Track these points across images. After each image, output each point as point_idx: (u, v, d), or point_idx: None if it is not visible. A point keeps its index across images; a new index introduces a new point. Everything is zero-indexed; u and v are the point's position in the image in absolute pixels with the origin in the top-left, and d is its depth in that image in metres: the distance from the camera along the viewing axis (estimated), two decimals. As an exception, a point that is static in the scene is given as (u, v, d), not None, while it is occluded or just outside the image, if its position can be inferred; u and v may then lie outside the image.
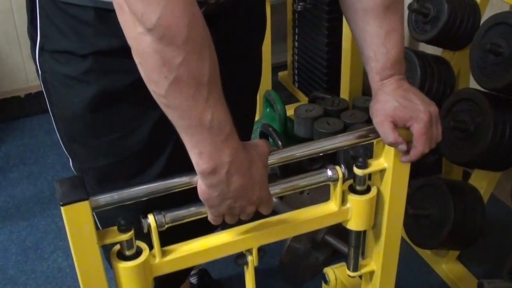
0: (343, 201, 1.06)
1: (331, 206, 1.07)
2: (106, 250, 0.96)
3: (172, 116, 0.82)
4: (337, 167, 1.02)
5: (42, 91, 1.09)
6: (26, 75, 2.83)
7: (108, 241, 0.92)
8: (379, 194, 1.09)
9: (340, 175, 1.02)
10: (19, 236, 2.16)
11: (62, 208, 0.85)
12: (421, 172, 2.15)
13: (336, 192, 1.04)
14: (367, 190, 1.07)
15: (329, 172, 1.02)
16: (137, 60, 0.80)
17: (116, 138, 1.04)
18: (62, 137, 1.10)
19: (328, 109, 2.18)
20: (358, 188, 1.06)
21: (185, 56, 0.77)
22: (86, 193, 0.86)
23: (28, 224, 2.21)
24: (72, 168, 1.13)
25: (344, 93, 2.36)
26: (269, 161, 0.95)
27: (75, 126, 1.06)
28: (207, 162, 0.84)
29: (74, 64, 0.99)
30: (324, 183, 1.03)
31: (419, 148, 0.99)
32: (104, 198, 0.90)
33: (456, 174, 2.07)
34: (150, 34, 0.75)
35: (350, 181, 1.07)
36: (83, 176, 0.91)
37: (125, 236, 0.91)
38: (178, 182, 0.92)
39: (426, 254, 1.97)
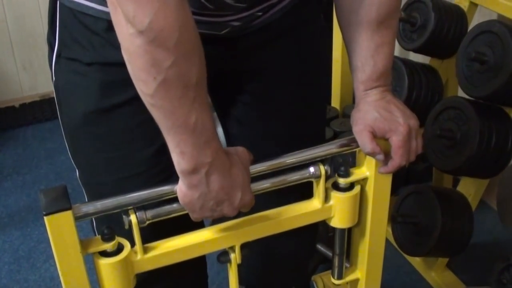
0: (326, 198, 1.06)
1: (314, 203, 1.07)
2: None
3: (157, 115, 0.84)
4: (320, 164, 1.03)
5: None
6: (20, 85, 2.84)
7: (92, 250, 0.92)
8: (362, 195, 1.10)
9: (323, 172, 1.02)
10: (12, 245, 2.17)
11: (45, 218, 0.86)
12: (412, 179, 2.17)
13: (319, 189, 1.05)
14: (351, 187, 1.07)
15: (312, 169, 1.03)
16: (126, 57, 0.81)
17: (118, 156, 1.05)
18: (69, 147, 1.11)
19: (318, 118, 2.19)
20: (341, 185, 1.06)
21: (175, 59, 0.78)
22: (69, 203, 0.87)
23: (21, 234, 2.22)
24: (79, 180, 1.13)
25: (335, 102, 2.38)
26: (255, 169, 0.97)
27: (78, 137, 1.07)
28: (188, 162, 0.85)
29: (81, 72, 1.00)
30: (307, 180, 1.04)
31: (397, 160, 0.99)
32: (87, 207, 0.91)
33: (446, 182, 2.08)
34: (141, 36, 0.76)
35: (334, 179, 1.07)
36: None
37: (108, 245, 0.92)
38: (161, 191, 0.93)
39: (415, 261, 1.98)
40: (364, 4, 0.99)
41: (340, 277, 1.18)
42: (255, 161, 0.97)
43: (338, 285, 1.22)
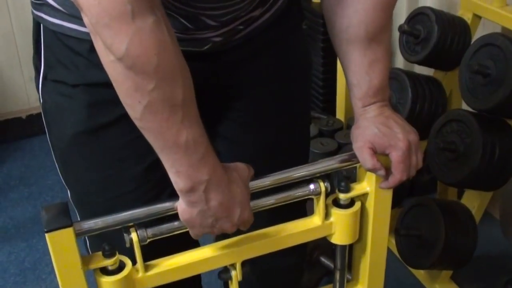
0: (327, 215, 1.07)
1: (315, 220, 1.07)
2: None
3: (148, 137, 0.84)
4: (320, 181, 1.03)
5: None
6: (27, 96, 2.86)
7: (93, 266, 0.93)
8: (363, 211, 1.10)
9: (323, 189, 1.03)
10: (18, 257, 2.18)
11: (46, 235, 0.88)
12: (416, 191, 2.17)
13: (319, 206, 1.05)
14: (351, 204, 1.07)
15: (312, 186, 1.03)
16: (113, 83, 0.82)
17: (109, 175, 1.05)
18: (60, 167, 1.11)
19: (323, 129, 2.20)
20: (341, 202, 1.07)
21: (157, 83, 0.78)
22: (70, 220, 0.88)
23: (27, 245, 2.23)
24: (70, 200, 1.13)
25: (340, 113, 2.37)
26: (256, 185, 0.97)
27: (68, 158, 1.07)
28: (184, 181, 0.85)
29: (68, 94, 1.01)
30: (307, 197, 1.04)
31: (397, 176, 1.00)
32: (88, 224, 0.91)
33: (451, 194, 2.07)
34: (120, 62, 0.77)
35: (334, 195, 1.08)
36: (70, 205, 0.93)
37: (109, 262, 0.93)
38: (161, 208, 0.94)
39: (419, 273, 1.97)
40: (354, 22, 0.99)
41: (341, 291, 1.18)
42: (254, 177, 0.97)
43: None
